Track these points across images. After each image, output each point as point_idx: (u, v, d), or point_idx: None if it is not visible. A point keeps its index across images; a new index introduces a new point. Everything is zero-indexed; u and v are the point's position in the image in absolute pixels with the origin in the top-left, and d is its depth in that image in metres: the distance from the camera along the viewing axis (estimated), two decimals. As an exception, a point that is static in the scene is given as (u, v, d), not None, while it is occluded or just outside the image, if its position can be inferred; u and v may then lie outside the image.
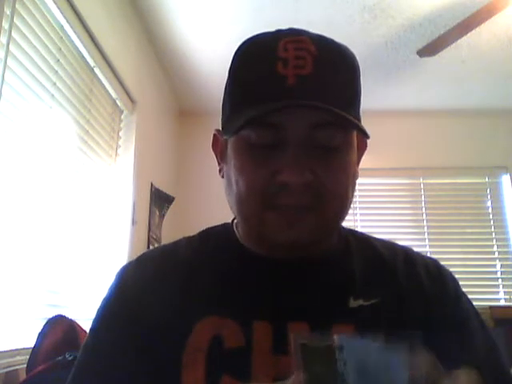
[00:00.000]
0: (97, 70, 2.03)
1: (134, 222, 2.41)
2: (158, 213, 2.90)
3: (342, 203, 0.56)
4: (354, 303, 0.57)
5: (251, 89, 0.54)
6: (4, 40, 1.32)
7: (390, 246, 0.67)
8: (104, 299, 0.62)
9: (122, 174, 2.37)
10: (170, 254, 0.64)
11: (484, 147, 3.50)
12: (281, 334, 0.53)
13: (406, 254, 0.66)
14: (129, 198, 2.38)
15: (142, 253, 0.69)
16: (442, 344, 0.55)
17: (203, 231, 0.68)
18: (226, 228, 0.66)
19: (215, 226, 0.69)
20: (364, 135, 0.54)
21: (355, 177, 0.59)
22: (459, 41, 2.30)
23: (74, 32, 1.76)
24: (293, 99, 0.51)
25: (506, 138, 3.50)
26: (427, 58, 2.53)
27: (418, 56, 2.50)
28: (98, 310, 0.62)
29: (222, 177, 0.62)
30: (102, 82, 2.12)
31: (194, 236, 0.68)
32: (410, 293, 0.60)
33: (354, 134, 0.57)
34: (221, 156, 0.63)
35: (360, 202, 3.45)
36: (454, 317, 0.60)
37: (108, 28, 2.10)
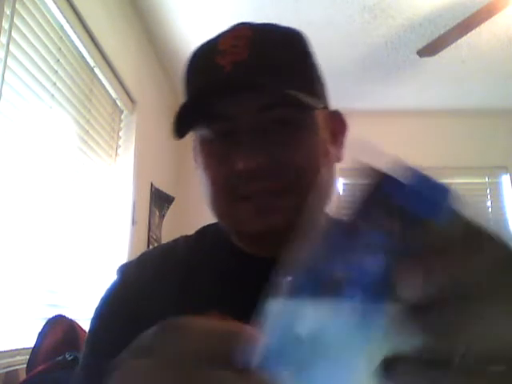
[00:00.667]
0: (97, 70, 2.03)
1: (133, 222, 2.41)
2: (157, 213, 2.90)
3: (314, 181, 0.54)
4: None
5: (196, 86, 0.55)
6: (4, 40, 1.32)
7: None
8: (103, 298, 0.62)
9: (121, 173, 2.37)
10: (169, 254, 0.64)
11: (484, 147, 3.50)
12: None
13: None
14: (129, 198, 2.38)
15: (141, 252, 0.68)
16: None
17: (200, 230, 0.68)
18: (221, 226, 0.66)
19: (212, 224, 0.68)
20: (310, 109, 0.52)
21: (331, 157, 0.57)
22: (459, 41, 2.30)
23: (74, 32, 1.76)
24: (231, 83, 0.51)
25: (506, 138, 3.50)
26: (427, 58, 2.53)
27: (418, 56, 2.50)
28: (97, 309, 0.61)
29: None
30: (102, 82, 2.12)
31: (191, 235, 0.68)
32: None
33: (314, 111, 0.55)
34: (194, 159, 0.63)
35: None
36: None
37: (108, 28, 2.10)
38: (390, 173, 0.27)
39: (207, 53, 0.55)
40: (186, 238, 0.67)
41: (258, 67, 0.51)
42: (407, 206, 0.26)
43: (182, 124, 0.53)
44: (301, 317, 0.26)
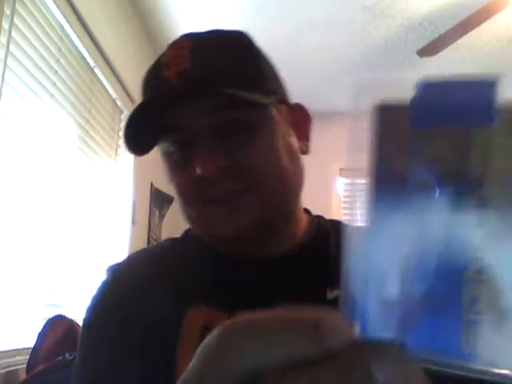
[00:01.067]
0: (97, 70, 2.03)
1: (133, 222, 2.41)
2: (157, 213, 2.90)
3: (278, 177, 0.54)
4: (331, 294, 0.54)
5: (148, 97, 0.56)
6: (4, 40, 1.32)
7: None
8: (95, 297, 0.61)
9: (121, 173, 2.37)
10: (157, 257, 0.64)
11: (484, 147, 3.50)
12: None
13: None
14: (129, 198, 2.38)
15: (129, 254, 0.69)
16: None
17: (185, 232, 0.68)
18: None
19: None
20: (261, 106, 0.53)
21: (293, 149, 0.57)
22: (459, 41, 2.30)
23: (74, 32, 1.76)
24: (178, 96, 0.52)
25: (505, 137, 3.50)
26: (427, 58, 2.53)
27: (417, 56, 2.50)
28: (89, 309, 0.61)
29: None
30: (102, 82, 2.12)
31: (177, 238, 0.68)
32: None
33: (268, 107, 0.55)
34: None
35: (360, 202, 3.44)
36: None
37: (108, 28, 2.10)
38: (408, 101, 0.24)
39: (154, 68, 0.56)
40: (173, 240, 0.68)
41: (203, 74, 0.52)
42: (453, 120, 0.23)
43: (135, 140, 0.55)
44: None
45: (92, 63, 1.98)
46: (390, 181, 0.23)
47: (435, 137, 0.23)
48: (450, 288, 0.21)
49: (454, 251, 0.22)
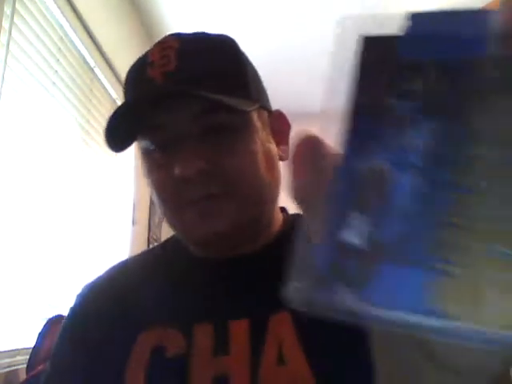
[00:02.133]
0: (97, 70, 2.03)
1: (134, 222, 2.41)
2: (158, 213, 2.90)
3: (256, 184, 0.54)
4: None
5: (130, 98, 0.57)
6: (4, 40, 1.32)
7: None
8: (63, 323, 0.63)
9: (122, 174, 2.36)
10: (120, 270, 0.65)
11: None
12: (222, 334, 0.52)
13: None
14: (129, 198, 2.38)
15: (105, 271, 0.67)
16: None
17: (166, 239, 0.68)
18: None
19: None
20: (243, 112, 0.53)
21: (272, 157, 0.57)
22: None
23: (74, 32, 1.76)
24: (163, 96, 0.52)
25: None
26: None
27: (418, 56, 2.50)
28: (60, 333, 0.62)
29: None
30: (102, 82, 2.12)
31: (157, 246, 0.69)
32: None
33: (250, 113, 0.55)
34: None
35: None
36: None
37: (108, 28, 2.10)
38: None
39: (138, 66, 0.56)
40: (150, 249, 0.69)
41: (188, 76, 0.52)
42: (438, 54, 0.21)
43: (116, 136, 0.54)
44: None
45: (92, 63, 1.97)
46: (370, 112, 0.22)
47: (422, 69, 0.21)
48: (421, 235, 0.19)
49: (430, 195, 0.20)
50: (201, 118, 0.52)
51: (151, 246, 2.69)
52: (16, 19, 1.39)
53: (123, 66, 2.32)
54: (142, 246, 2.59)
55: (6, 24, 1.33)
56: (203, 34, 0.58)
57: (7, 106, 1.37)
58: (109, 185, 2.25)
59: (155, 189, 0.56)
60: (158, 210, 0.58)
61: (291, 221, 0.63)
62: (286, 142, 0.62)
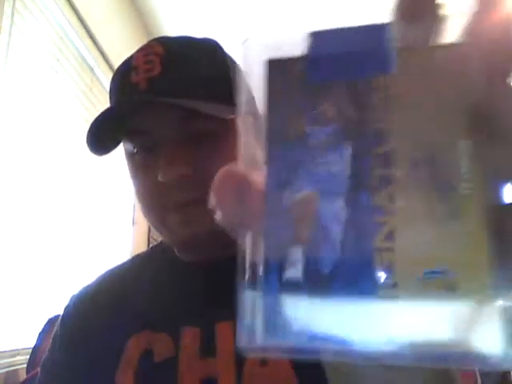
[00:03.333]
0: (97, 70, 2.03)
1: (134, 222, 2.41)
2: (158, 213, 2.90)
3: None
4: None
5: (114, 102, 0.56)
6: (4, 40, 1.32)
7: None
8: (57, 325, 0.63)
9: (122, 174, 2.36)
10: (109, 275, 0.65)
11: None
12: (209, 337, 0.53)
13: None
14: (129, 198, 2.38)
15: (98, 276, 0.68)
16: None
17: (156, 244, 0.69)
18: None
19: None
20: (227, 118, 0.52)
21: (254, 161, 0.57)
22: (459, 41, 2.30)
23: (74, 32, 1.76)
24: (146, 102, 0.52)
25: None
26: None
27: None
28: (52, 339, 0.62)
29: None
30: (102, 82, 2.12)
31: (146, 251, 0.70)
32: None
33: (233, 119, 0.54)
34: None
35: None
36: None
37: (108, 28, 2.10)
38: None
39: (123, 70, 0.56)
40: (139, 254, 0.69)
41: (172, 82, 0.52)
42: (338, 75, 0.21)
43: (99, 140, 0.54)
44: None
45: (92, 63, 1.97)
46: (286, 140, 0.21)
47: (332, 90, 0.21)
48: (358, 262, 0.20)
49: (355, 220, 0.20)
50: (182, 124, 0.52)
51: (150, 246, 2.69)
52: (16, 19, 1.39)
53: (123, 65, 2.32)
54: (142, 246, 2.59)
55: (6, 24, 1.33)
56: (187, 38, 0.58)
57: (7, 106, 1.37)
58: (109, 185, 2.24)
59: (138, 191, 0.56)
60: (143, 213, 0.58)
61: None
62: None
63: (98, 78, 2.07)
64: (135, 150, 0.55)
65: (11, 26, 1.35)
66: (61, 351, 0.60)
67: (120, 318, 0.58)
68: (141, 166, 0.55)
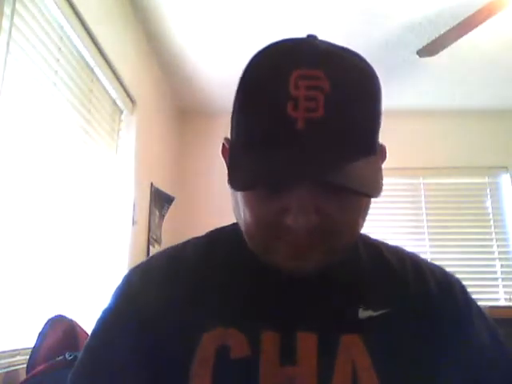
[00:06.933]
0: (97, 70, 2.03)
1: (134, 222, 2.41)
2: (158, 213, 2.90)
3: (353, 235, 0.55)
4: (363, 314, 0.56)
5: (260, 128, 0.50)
6: (4, 40, 1.32)
7: (396, 251, 0.66)
8: (107, 308, 0.61)
9: (122, 174, 2.36)
10: (178, 262, 0.63)
11: (484, 147, 3.50)
12: (289, 345, 0.53)
13: (413, 261, 0.64)
14: (129, 198, 2.38)
15: (148, 257, 0.67)
16: (449, 361, 0.55)
17: (211, 234, 0.67)
18: (235, 232, 0.60)
19: (224, 228, 0.67)
20: (367, 196, 0.50)
21: (368, 205, 0.55)
22: (459, 41, 2.30)
23: (74, 32, 1.76)
24: (301, 146, 0.47)
25: (506, 138, 3.50)
26: (427, 58, 2.53)
27: (418, 56, 2.49)
28: (101, 318, 0.60)
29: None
30: (102, 82, 2.12)
31: (201, 238, 0.66)
32: (419, 304, 0.59)
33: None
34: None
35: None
36: (464, 335, 0.59)
37: (108, 28, 2.10)
38: None
39: (277, 89, 0.48)
40: (196, 242, 0.66)
41: (333, 131, 0.48)
42: None
43: (240, 177, 0.49)
44: None
45: (92, 63, 1.97)
46: None
47: None
48: None
49: None
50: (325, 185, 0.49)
51: (150, 246, 2.69)
52: (16, 19, 1.39)
53: (123, 66, 2.33)
54: (142, 246, 2.59)
55: (6, 24, 1.33)
56: (351, 64, 0.52)
57: (7, 106, 1.37)
58: (109, 185, 2.25)
59: (250, 217, 0.53)
60: (245, 235, 0.55)
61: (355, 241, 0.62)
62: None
63: (98, 78, 2.07)
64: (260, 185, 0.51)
65: (11, 26, 1.35)
66: (131, 327, 0.57)
67: (195, 312, 0.57)
68: (262, 195, 0.51)
